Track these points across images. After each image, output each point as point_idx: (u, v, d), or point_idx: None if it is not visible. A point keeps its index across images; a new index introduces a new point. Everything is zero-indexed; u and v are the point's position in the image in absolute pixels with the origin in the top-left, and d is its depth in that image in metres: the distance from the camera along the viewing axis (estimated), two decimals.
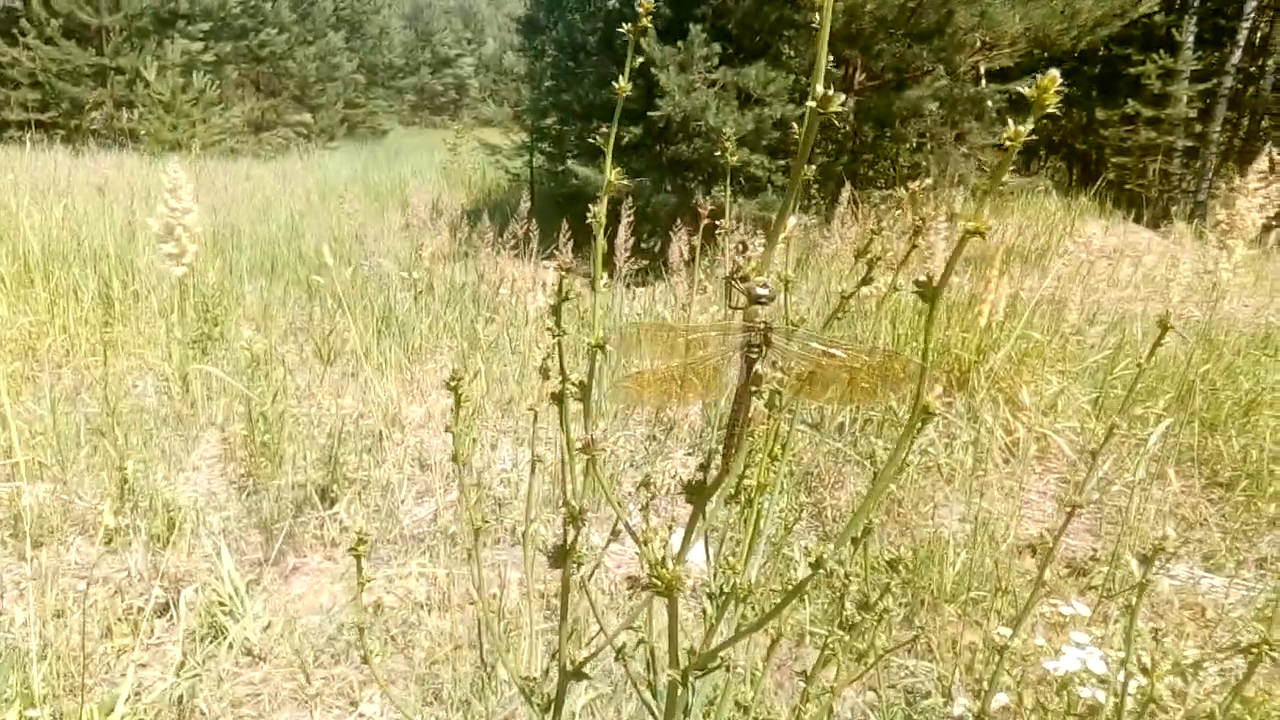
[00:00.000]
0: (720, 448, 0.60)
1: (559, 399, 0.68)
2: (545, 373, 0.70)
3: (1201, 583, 1.99)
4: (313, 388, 3.09)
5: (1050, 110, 0.43)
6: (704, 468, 0.58)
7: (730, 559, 0.64)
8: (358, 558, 0.74)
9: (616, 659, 0.64)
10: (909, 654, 1.77)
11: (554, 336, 0.67)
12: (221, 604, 1.93)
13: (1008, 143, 0.42)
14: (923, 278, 0.47)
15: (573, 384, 0.67)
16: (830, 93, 0.48)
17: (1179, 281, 3.75)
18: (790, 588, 0.72)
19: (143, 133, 12.51)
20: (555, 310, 0.67)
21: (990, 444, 2.79)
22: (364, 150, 14.50)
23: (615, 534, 0.61)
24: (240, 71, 17.36)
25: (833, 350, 0.59)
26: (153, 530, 2.16)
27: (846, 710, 1.60)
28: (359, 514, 2.30)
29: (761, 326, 0.59)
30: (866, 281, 0.75)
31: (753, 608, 0.73)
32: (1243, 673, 1.38)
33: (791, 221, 0.61)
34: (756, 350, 0.59)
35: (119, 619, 1.90)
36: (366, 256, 5.00)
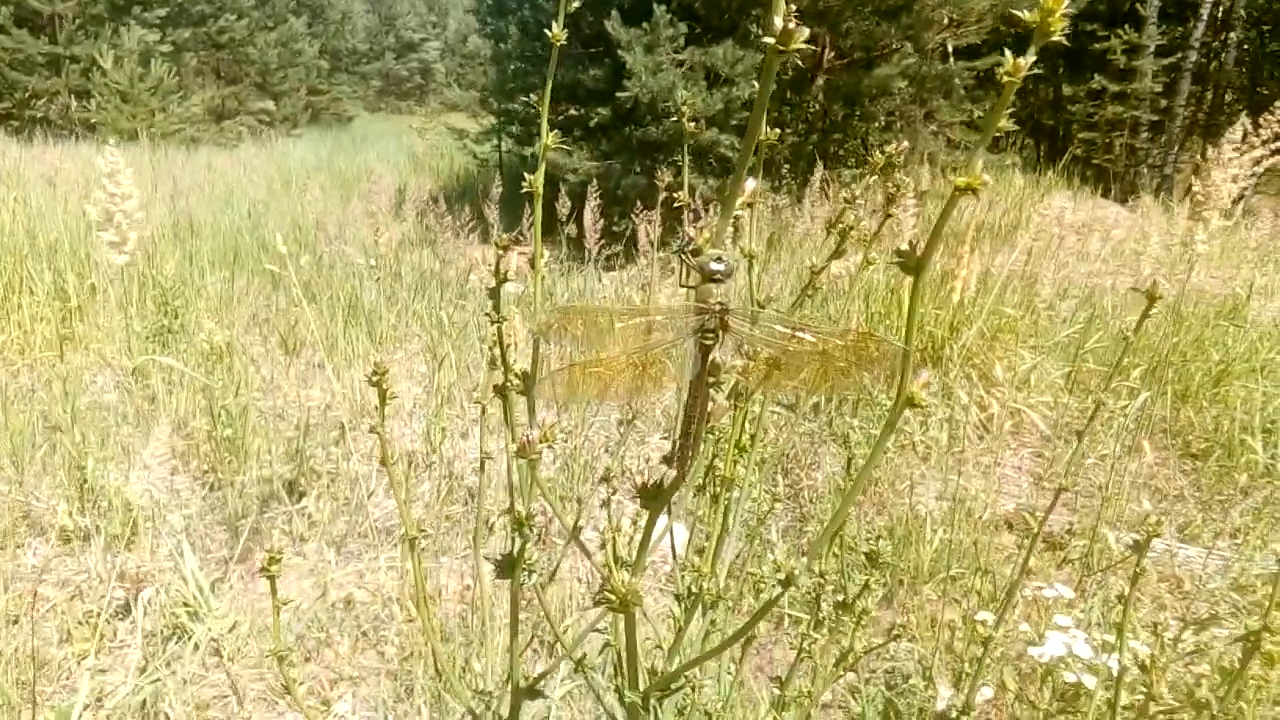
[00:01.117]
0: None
1: (502, 392, 0.62)
2: (494, 363, 0.64)
3: (1179, 554, 2.00)
4: (278, 379, 3.02)
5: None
6: (668, 460, 0.52)
7: (697, 558, 0.60)
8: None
9: (576, 670, 0.60)
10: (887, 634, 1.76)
11: (492, 322, 0.62)
12: (185, 604, 1.87)
13: (1006, 79, 0.37)
14: (904, 247, 0.42)
15: (515, 376, 0.61)
16: (792, 27, 0.41)
17: (1149, 254, 3.76)
18: (765, 577, 0.69)
19: (98, 122, 12.20)
20: (493, 294, 0.61)
21: (965, 420, 2.78)
22: (329, 137, 14.26)
23: (576, 533, 0.57)
24: (199, 59, 16.97)
25: (800, 333, 0.52)
26: (112, 530, 2.10)
27: (825, 694, 1.58)
28: (327, 508, 2.25)
29: (717, 308, 0.51)
30: (838, 254, 0.70)
31: (723, 611, 0.69)
32: (1215, 640, 1.37)
33: (750, 185, 0.54)
34: (711, 336, 0.51)
35: (79, 623, 1.84)
36: (330, 243, 4.91)
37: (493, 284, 0.63)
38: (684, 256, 0.53)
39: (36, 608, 1.81)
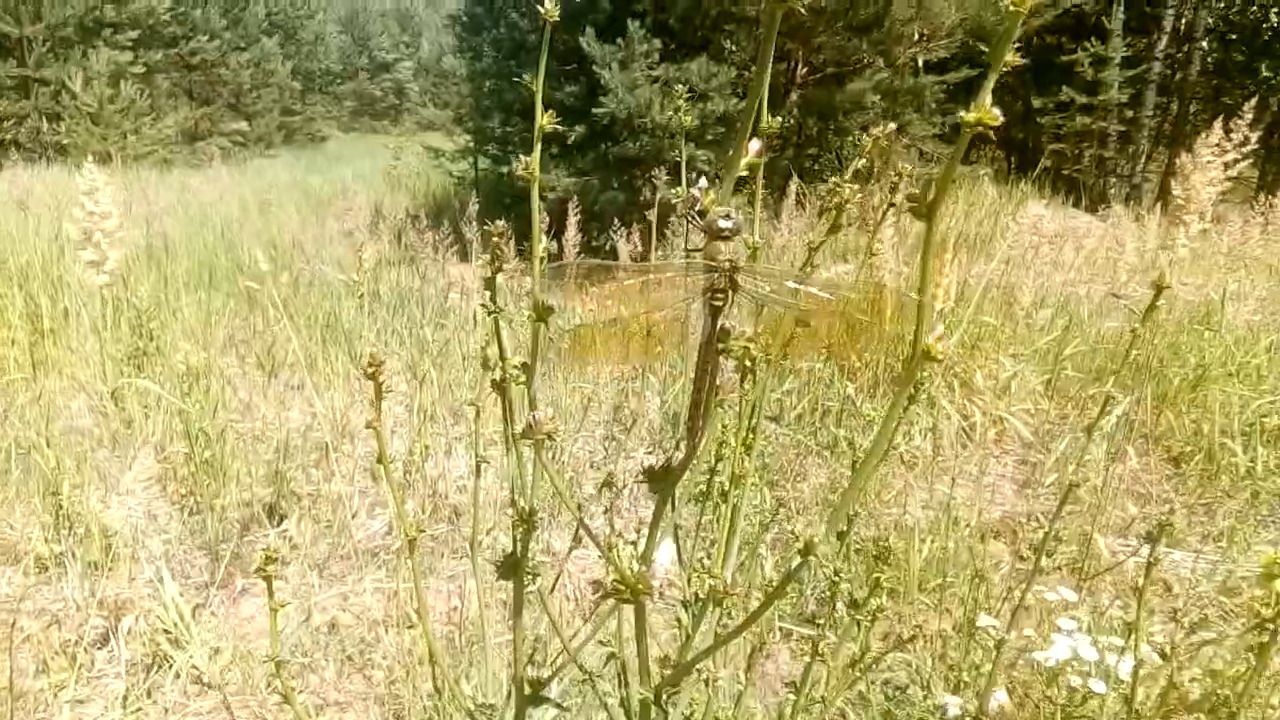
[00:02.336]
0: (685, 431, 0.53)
1: (500, 387, 0.61)
2: (487, 363, 0.63)
3: (1164, 559, 2.01)
4: (256, 401, 2.98)
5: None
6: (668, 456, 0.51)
7: (703, 561, 0.58)
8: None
9: (584, 682, 0.59)
10: (880, 643, 1.75)
11: (489, 313, 0.60)
12: (166, 631, 1.83)
13: (965, 129, 0.37)
14: (913, 190, 0.40)
15: (515, 367, 0.59)
16: None
17: (1124, 262, 3.81)
18: (768, 587, 0.68)
19: (69, 145, 12.07)
20: (489, 284, 0.60)
21: (948, 429, 2.80)
22: (303, 158, 14.20)
23: (577, 539, 0.55)
24: (171, 80, 16.84)
25: (814, 289, 0.50)
26: (90, 557, 2.05)
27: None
28: (309, 530, 2.21)
29: (726, 265, 0.49)
30: (835, 229, 0.69)
31: (729, 613, 0.67)
32: (1204, 642, 1.37)
33: (755, 145, 0.51)
34: (721, 296, 0.49)
35: (56, 652, 1.80)
36: (308, 262, 4.86)
37: (481, 301, 0.61)
38: (689, 216, 0.51)
39: (12, 638, 1.76)
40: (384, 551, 2.18)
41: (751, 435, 0.66)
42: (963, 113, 0.37)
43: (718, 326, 0.50)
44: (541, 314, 0.58)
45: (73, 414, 2.91)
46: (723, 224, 0.49)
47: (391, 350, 3.57)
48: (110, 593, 1.98)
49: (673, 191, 0.53)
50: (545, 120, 0.59)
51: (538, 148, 0.60)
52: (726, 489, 0.63)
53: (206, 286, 4.20)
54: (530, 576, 0.60)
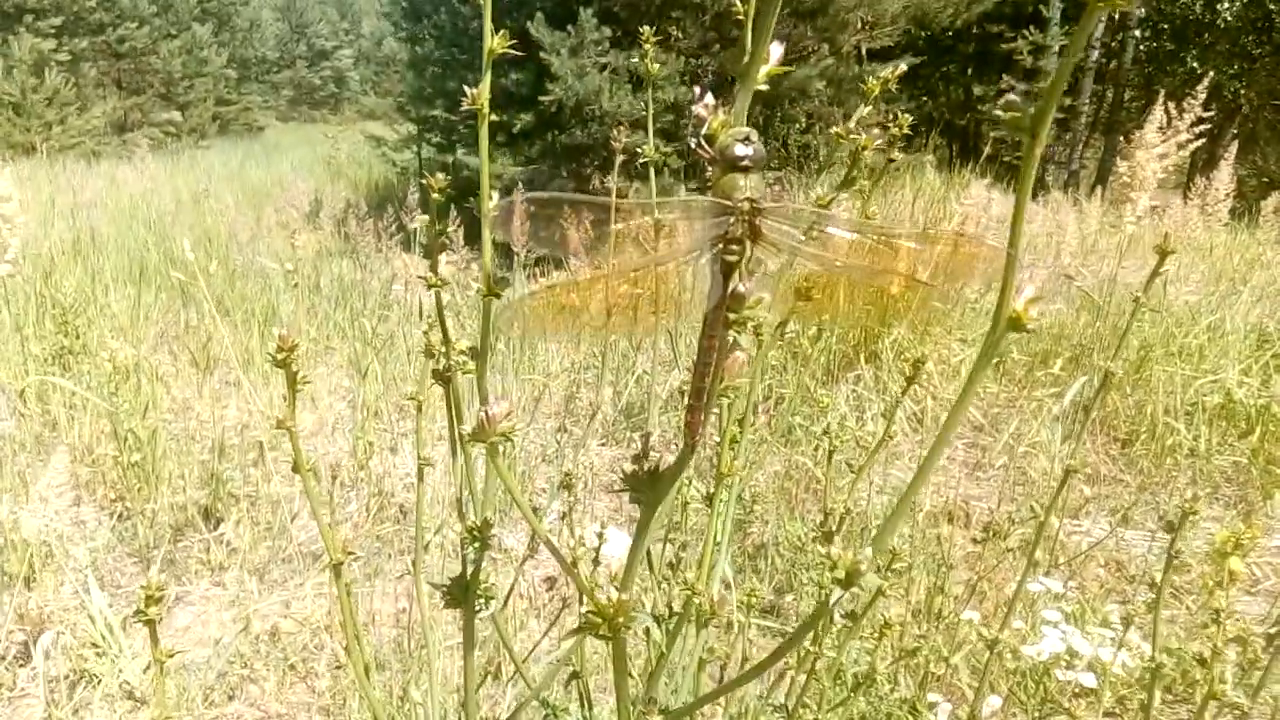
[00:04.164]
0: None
1: (443, 377, 0.52)
2: (430, 352, 0.55)
3: (1117, 539, 2.02)
4: (190, 399, 2.86)
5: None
6: (638, 458, 0.42)
7: (673, 564, 0.53)
8: None
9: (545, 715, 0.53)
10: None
11: (429, 286, 0.51)
12: (94, 644, 1.73)
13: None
14: (1012, 95, 0.31)
15: (461, 353, 0.50)
16: None
17: (1067, 245, 3.86)
18: (749, 596, 0.63)
19: None
20: (429, 251, 0.51)
21: (899, 414, 2.80)
22: (240, 148, 13.77)
23: (533, 548, 0.50)
24: (99, 69, 16.22)
25: (867, 232, 0.38)
26: (10, 568, 1.93)
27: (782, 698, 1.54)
28: (247, 533, 2.12)
29: (745, 207, 0.37)
30: (849, 183, 0.62)
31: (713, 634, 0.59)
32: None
33: (777, 50, 0.41)
34: (737, 247, 0.38)
35: None
36: (240, 251, 4.71)
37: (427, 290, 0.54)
38: (698, 145, 0.39)
39: None
40: (326, 554, 2.09)
41: (739, 428, 0.59)
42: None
43: (729, 289, 0.38)
44: (492, 289, 0.50)
45: None
46: (739, 150, 0.37)
47: (333, 345, 3.46)
48: (33, 605, 1.87)
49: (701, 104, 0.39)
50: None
51: (487, 76, 0.52)
52: (710, 492, 0.54)
53: (137, 281, 4.02)
54: (482, 600, 0.52)
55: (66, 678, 1.68)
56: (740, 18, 0.37)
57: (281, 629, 1.82)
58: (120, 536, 2.14)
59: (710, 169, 0.38)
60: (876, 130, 0.62)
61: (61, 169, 8.06)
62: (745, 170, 0.37)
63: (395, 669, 1.66)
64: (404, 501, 2.30)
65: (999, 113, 0.32)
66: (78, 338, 3.10)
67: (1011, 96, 0.32)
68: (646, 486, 0.42)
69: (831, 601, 0.37)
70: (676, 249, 0.39)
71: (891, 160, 0.65)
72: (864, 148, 0.58)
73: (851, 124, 0.63)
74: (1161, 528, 1.95)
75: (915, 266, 0.39)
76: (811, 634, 0.74)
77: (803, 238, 0.39)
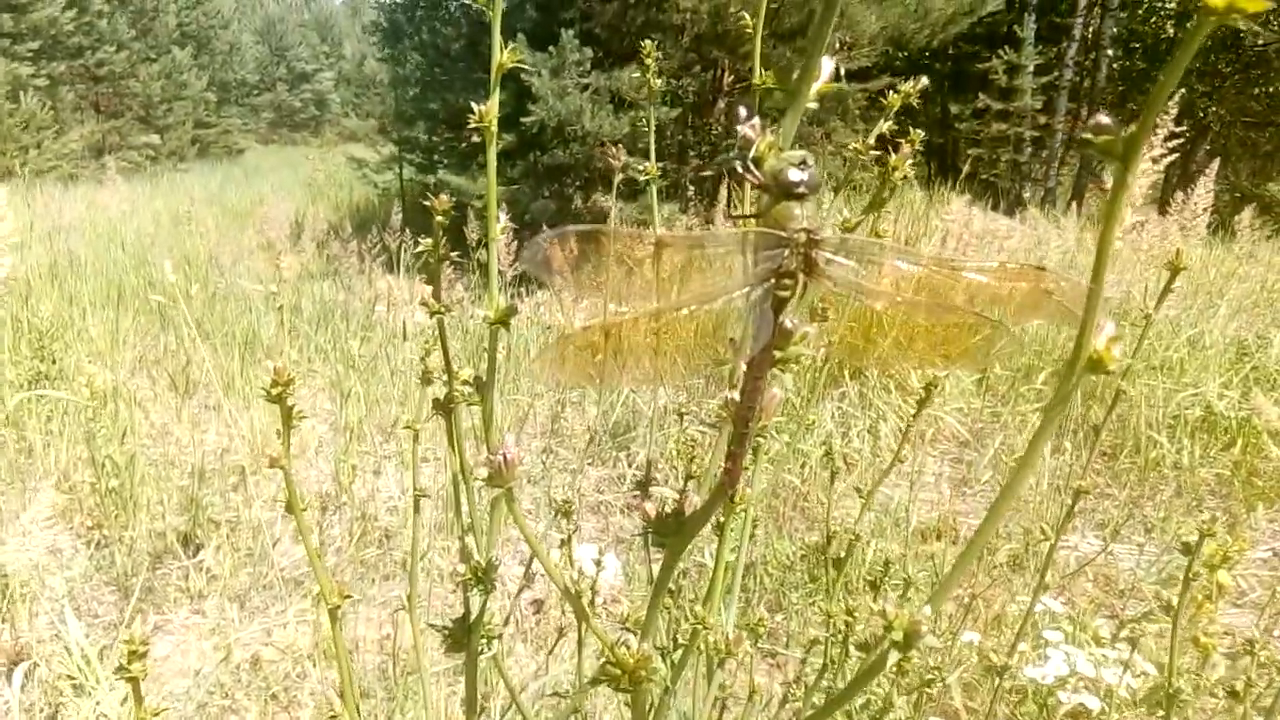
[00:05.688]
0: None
1: (444, 408, 0.51)
2: (427, 378, 0.53)
3: (1106, 553, 2.02)
4: (169, 424, 2.82)
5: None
6: (643, 485, 0.41)
7: (688, 600, 0.51)
8: None
9: None
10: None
11: (431, 314, 0.49)
12: (70, 676, 1.69)
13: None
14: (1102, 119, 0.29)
15: (466, 383, 0.47)
16: None
17: (1048, 260, 3.90)
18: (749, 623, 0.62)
19: None
20: (431, 275, 0.49)
21: (884, 430, 2.80)
22: (219, 170, 13.71)
23: (529, 579, 0.48)
24: (77, 93, 16.10)
25: (932, 265, 0.36)
26: None
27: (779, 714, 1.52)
28: (228, 560, 2.08)
29: (801, 238, 0.34)
30: (878, 205, 0.59)
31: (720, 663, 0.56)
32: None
33: (829, 66, 0.37)
34: (790, 282, 0.35)
35: None
36: (222, 274, 4.67)
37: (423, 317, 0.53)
38: (744, 169, 0.35)
39: None
40: (309, 579, 2.06)
41: (753, 455, 0.56)
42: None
43: (778, 326, 0.36)
44: (502, 316, 0.48)
45: None
46: (794, 175, 0.34)
47: (315, 368, 3.43)
48: (8, 638, 1.82)
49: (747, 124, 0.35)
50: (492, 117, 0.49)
51: (495, 94, 0.51)
52: (722, 521, 0.51)
53: (115, 305, 3.98)
54: (485, 642, 0.49)
55: (43, 711, 1.64)
56: (749, 30, 0.36)
57: (263, 657, 1.78)
58: (98, 565, 2.10)
59: (762, 196, 0.35)
60: (906, 148, 0.61)
61: (39, 192, 7.99)
62: (801, 198, 0.34)
63: (380, 696, 1.63)
64: (388, 525, 2.27)
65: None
66: (54, 362, 3.06)
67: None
68: (672, 531, 0.39)
69: (889, 665, 0.34)
70: (723, 285, 0.36)
71: (905, 177, 0.64)
72: (895, 168, 0.56)
73: (870, 140, 0.61)
74: (1179, 548, 1.96)
75: (984, 302, 0.36)
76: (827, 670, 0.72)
77: (863, 271, 0.36)
